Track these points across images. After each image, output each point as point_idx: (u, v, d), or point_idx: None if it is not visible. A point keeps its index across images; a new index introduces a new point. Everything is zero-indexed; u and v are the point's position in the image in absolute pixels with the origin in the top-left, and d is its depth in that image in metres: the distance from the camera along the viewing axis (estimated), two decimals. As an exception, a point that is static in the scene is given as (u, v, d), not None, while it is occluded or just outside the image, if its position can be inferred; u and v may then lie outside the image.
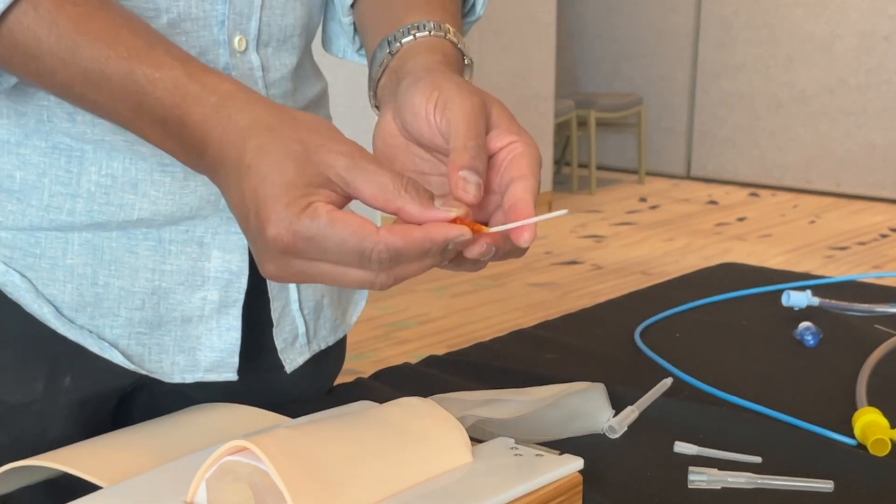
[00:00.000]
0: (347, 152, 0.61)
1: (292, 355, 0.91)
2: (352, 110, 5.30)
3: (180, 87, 0.65)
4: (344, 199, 0.62)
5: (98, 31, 0.66)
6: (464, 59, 0.76)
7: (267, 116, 0.63)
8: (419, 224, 0.61)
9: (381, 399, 0.82)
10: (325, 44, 0.94)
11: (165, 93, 0.65)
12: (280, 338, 0.89)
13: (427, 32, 0.75)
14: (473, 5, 0.87)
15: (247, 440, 0.62)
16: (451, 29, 0.76)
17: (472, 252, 0.63)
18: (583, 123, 6.57)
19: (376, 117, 0.73)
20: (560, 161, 6.84)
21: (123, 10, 0.68)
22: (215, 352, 0.86)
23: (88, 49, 0.65)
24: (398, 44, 0.75)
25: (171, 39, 0.76)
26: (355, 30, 0.87)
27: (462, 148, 0.63)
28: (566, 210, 0.68)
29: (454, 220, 0.63)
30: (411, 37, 0.74)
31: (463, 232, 0.61)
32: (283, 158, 0.61)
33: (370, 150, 0.67)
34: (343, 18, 0.86)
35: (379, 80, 0.75)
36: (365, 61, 0.89)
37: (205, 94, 0.64)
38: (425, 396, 0.78)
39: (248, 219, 0.62)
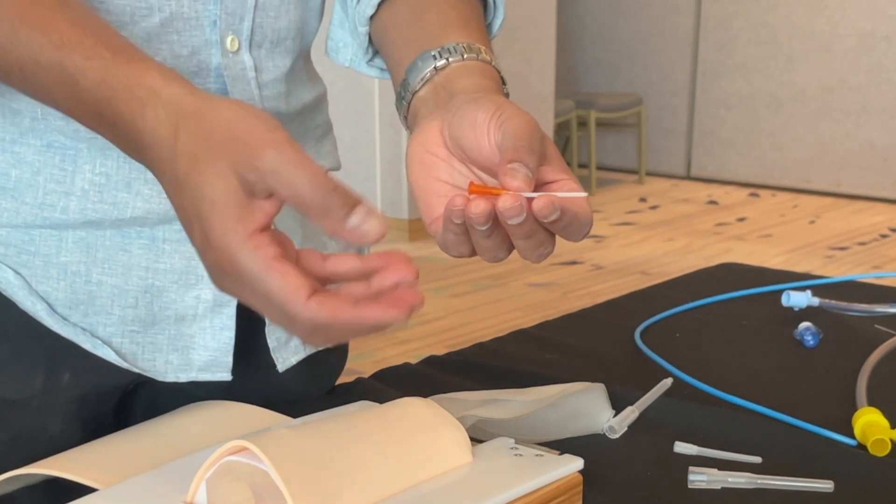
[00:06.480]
0: (279, 157, 0.58)
1: (285, 354, 0.91)
2: (352, 109, 5.31)
3: (108, 80, 0.62)
4: (280, 203, 0.60)
5: (36, 19, 0.64)
6: (504, 90, 0.77)
7: (192, 122, 0.60)
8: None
9: (381, 399, 0.82)
10: (330, 52, 0.93)
11: (94, 84, 0.62)
12: (273, 336, 0.89)
13: (475, 55, 0.75)
14: (490, 24, 0.87)
15: (247, 440, 0.62)
16: (495, 57, 0.77)
17: (504, 205, 0.62)
18: (583, 123, 6.57)
19: (405, 128, 0.74)
20: (560, 161, 6.83)
21: None
22: (209, 351, 0.86)
23: (26, 37, 0.64)
24: (445, 60, 0.75)
25: (162, 39, 0.76)
26: (370, 41, 0.87)
27: (513, 148, 0.64)
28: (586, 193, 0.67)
29: (471, 189, 0.63)
30: (459, 56, 0.75)
31: (396, 316, 0.59)
32: (216, 177, 0.58)
33: (401, 154, 0.67)
34: (360, 28, 0.86)
35: (416, 91, 0.76)
36: (375, 73, 0.91)
37: (131, 88, 0.62)
38: (425, 396, 0.78)
39: (193, 231, 0.61)
